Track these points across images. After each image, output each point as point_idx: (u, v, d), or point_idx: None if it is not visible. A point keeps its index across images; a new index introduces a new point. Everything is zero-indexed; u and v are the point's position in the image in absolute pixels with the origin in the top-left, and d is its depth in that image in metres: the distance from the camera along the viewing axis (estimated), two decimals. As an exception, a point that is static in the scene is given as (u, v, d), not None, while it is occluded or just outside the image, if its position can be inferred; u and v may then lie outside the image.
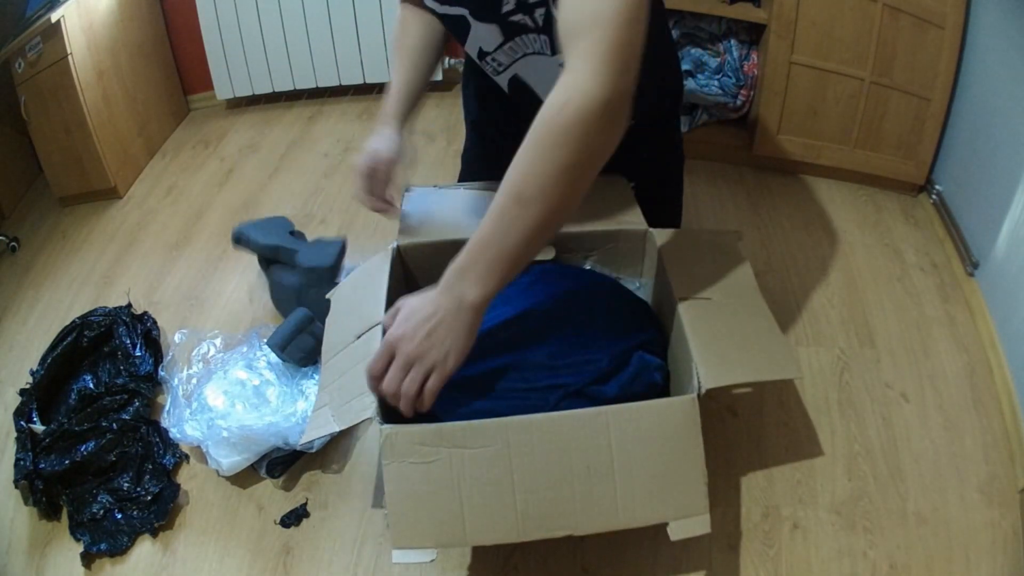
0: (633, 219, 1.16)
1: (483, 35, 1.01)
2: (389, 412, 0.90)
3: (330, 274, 1.43)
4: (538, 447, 0.88)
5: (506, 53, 1.04)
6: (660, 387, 1.00)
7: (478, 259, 0.79)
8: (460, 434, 0.87)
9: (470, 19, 0.99)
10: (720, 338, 0.98)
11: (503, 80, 1.11)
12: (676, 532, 0.87)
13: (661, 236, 1.12)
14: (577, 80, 0.72)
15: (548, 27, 0.96)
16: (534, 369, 0.94)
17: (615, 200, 1.19)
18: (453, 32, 1.06)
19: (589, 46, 0.72)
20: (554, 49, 0.99)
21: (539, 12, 0.94)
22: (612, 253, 1.17)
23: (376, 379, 0.83)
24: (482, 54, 1.06)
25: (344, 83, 2.25)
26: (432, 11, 1.03)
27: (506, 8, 0.95)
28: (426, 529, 0.87)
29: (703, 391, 0.89)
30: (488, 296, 0.80)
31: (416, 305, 0.83)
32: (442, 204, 1.21)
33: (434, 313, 0.81)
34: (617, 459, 0.88)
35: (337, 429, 0.93)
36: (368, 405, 0.89)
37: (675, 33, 1.78)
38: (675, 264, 1.08)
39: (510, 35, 1.00)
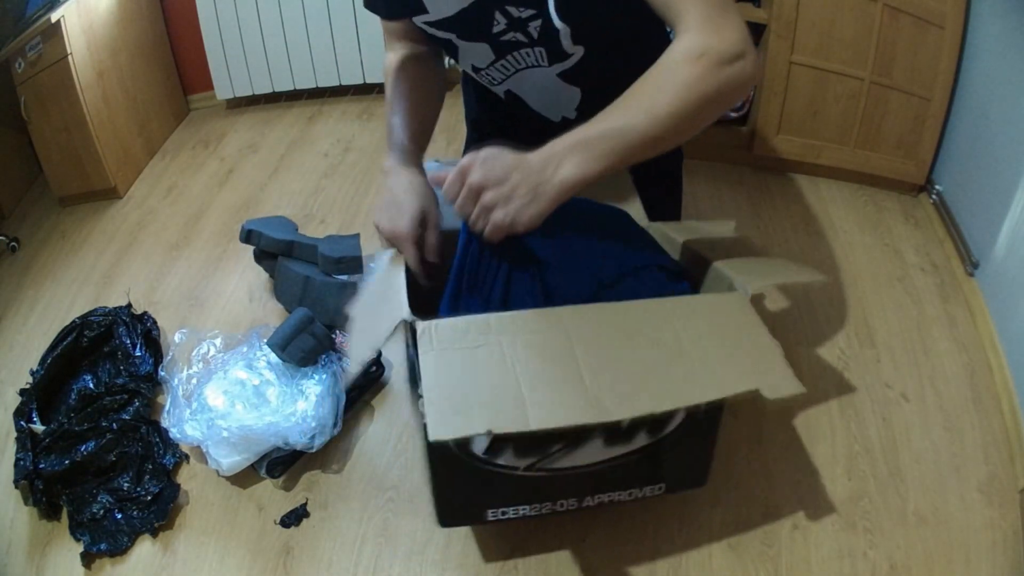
0: (634, 214, 1.16)
1: (474, 53, 1.01)
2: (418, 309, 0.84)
3: (357, 263, 1.47)
4: (599, 331, 0.83)
5: (498, 69, 1.03)
6: None
7: (594, 144, 0.78)
8: (509, 323, 0.81)
9: (457, 42, 0.99)
10: (747, 268, 0.98)
11: (499, 91, 1.10)
12: (773, 392, 0.81)
13: (664, 228, 1.13)
14: (711, 32, 0.78)
15: (545, 39, 0.95)
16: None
17: (615, 194, 1.19)
18: (446, 50, 1.06)
19: (706, 7, 0.78)
20: (551, 59, 0.99)
21: (534, 25, 0.92)
22: None
23: (451, 201, 0.82)
24: (476, 69, 1.06)
25: (344, 83, 2.25)
26: (422, 31, 1.03)
27: (497, 28, 0.94)
28: (475, 416, 0.74)
29: (750, 294, 0.89)
30: (584, 181, 0.79)
31: (506, 153, 0.80)
32: None
33: (521, 168, 0.78)
34: (687, 341, 0.84)
35: (375, 351, 0.88)
36: (399, 309, 0.83)
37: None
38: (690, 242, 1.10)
39: (502, 53, 0.99)
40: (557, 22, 0.90)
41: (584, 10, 0.90)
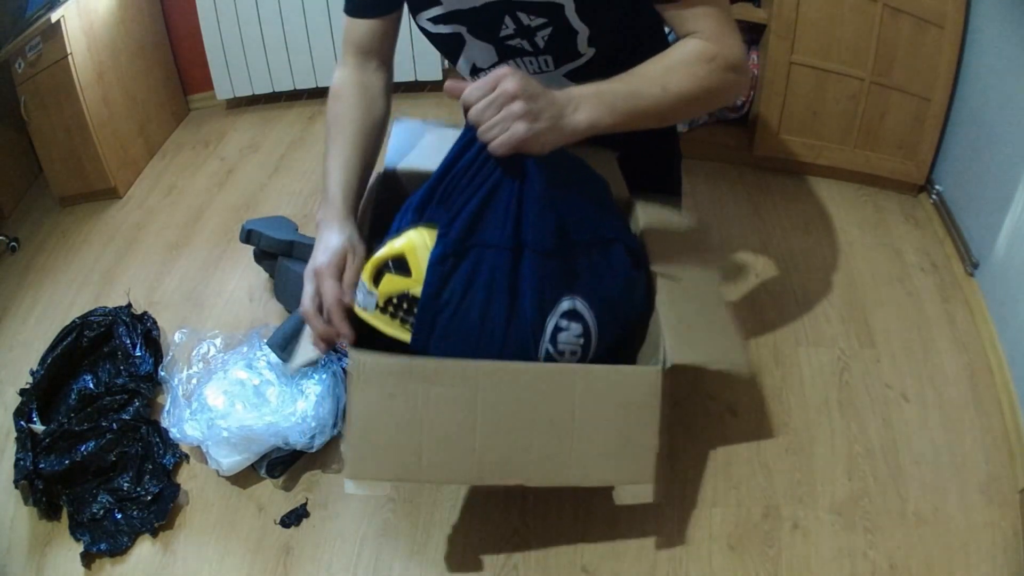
0: (616, 189, 1.17)
1: (477, 53, 1.01)
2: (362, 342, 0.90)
3: None
4: (506, 394, 0.89)
5: None
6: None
7: (611, 98, 0.84)
8: (431, 371, 0.88)
9: (466, 36, 0.99)
10: (687, 319, 1.00)
11: None
12: (622, 497, 0.92)
13: (642, 209, 1.14)
14: (721, 43, 0.88)
15: (552, 47, 0.96)
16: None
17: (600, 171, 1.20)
18: (444, 50, 1.06)
19: (717, 18, 0.89)
20: (559, 62, 0.99)
21: (541, 34, 0.94)
22: None
23: (467, 107, 0.82)
24: (475, 70, 1.06)
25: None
26: (423, 31, 1.02)
27: (504, 32, 0.94)
28: (384, 463, 0.88)
29: (669, 365, 0.92)
30: (594, 128, 0.84)
31: (536, 80, 0.83)
32: (433, 139, 1.17)
33: (548, 96, 0.82)
34: (578, 417, 0.90)
35: (317, 356, 0.95)
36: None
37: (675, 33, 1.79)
38: (653, 237, 1.10)
39: (504, 56, 1.00)
40: (577, 24, 0.92)
41: (604, 13, 0.92)
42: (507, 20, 0.92)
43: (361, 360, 0.87)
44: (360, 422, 0.88)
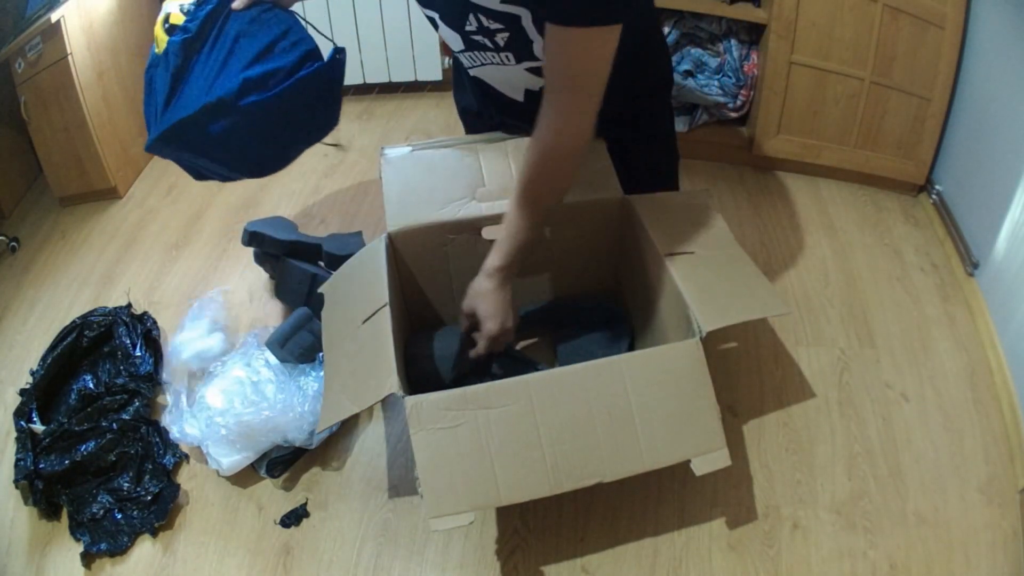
0: (609, 185, 1.19)
1: (448, 37, 1.05)
2: (412, 386, 0.92)
3: None
4: (560, 399, 0.92)
5: (468, 58, 1.08)
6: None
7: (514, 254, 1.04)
8: (483, 396, 0.91)
9: (438, 21, 1.02)
10: (709, 286, 1.03)
11: (470, 73, 1.15)
12: (699, 467, 0.92)
13: (637, 202, 1.18)
14: (564, 129, 0.93)
15: (511, 46, 0.99)
16: None
17: (591, 167, 1.21)
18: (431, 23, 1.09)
19: (572, 102, 0.90)
20: (520, 59, 1.02)
21: (501, 36, 0.97)
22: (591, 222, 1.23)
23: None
24: (451, 48, 1.10)
25: (344, 83, 2.24)
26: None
27: (468, 28, 0.98)
28: (460, 494, 0.89)
29: (704, 334, 0.95)
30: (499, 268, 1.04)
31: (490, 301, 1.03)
32: (423, 172, 1.22)
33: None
34: (635, 404, 0.92)
35: (357, 410, 0.94)
36: (388, 383, 0.91)
37: (675, 33, 1.78)
38: (655, 225, 1.13)
39: (469, 47, 1.03)
40: (532, 34, 0.94)
41: None
42: (470, 18, 0.96)
43: (415, 403, 0.89)
44: (429, 462, 0.89)
